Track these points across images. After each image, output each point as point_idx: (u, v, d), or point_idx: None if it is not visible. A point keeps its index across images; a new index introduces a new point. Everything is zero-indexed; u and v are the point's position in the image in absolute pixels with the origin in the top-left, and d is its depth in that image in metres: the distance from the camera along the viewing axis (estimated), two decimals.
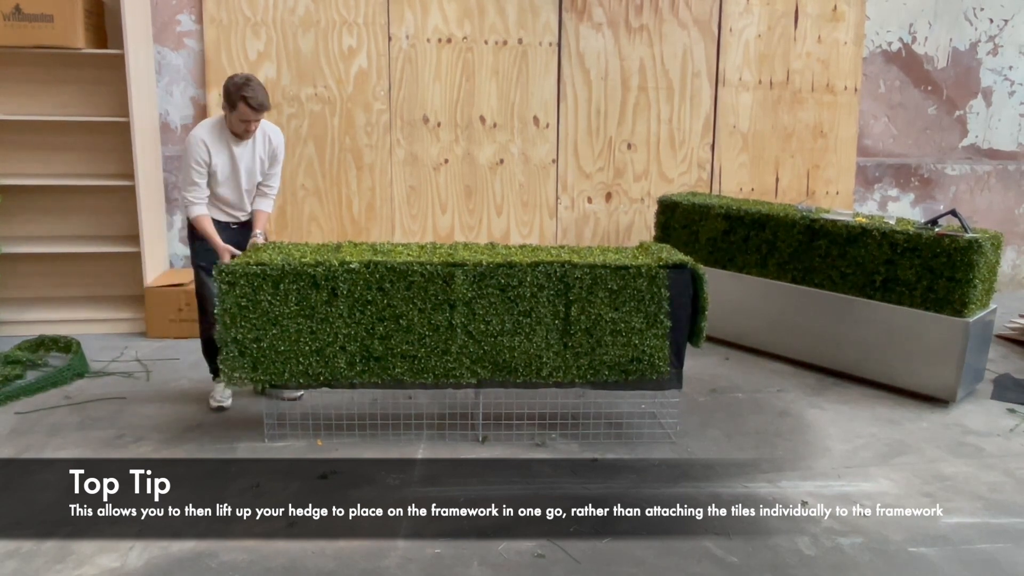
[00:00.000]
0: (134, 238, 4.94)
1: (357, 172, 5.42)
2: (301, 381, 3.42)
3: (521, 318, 3.40)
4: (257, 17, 5.15)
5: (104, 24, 4.91)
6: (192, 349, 4.66)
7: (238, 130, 3.61)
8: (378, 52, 5.31)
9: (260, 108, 3.54)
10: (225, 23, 5.13)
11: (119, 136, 4.93)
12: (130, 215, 4.97)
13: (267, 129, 3.75)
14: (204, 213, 3.69)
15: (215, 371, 3.84)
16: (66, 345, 4.49)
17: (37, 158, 5.04)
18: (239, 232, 3.82)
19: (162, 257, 5.25)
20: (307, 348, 3.36)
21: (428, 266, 3.33)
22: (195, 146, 3.61)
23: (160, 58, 5.17)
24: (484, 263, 3.35)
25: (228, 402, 3.87)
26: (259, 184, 3.82)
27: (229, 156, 3.68)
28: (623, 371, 3.48)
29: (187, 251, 5.40)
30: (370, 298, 3.34)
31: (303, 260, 3.33)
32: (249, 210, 3.86)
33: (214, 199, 3.75)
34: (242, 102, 3.49)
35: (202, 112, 5.24)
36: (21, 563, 2.62)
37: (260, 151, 3.75)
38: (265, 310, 3.32)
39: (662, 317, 3.43)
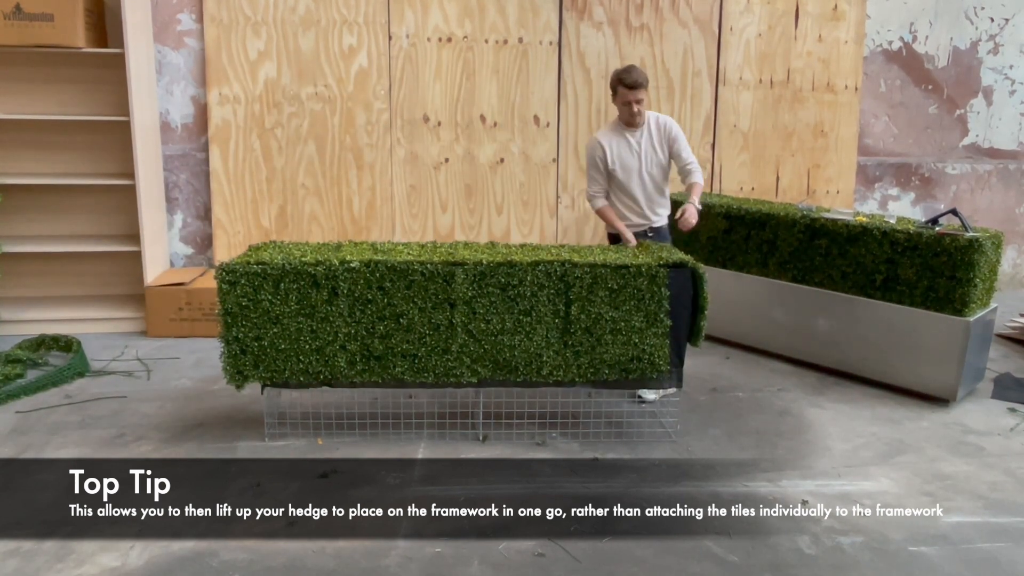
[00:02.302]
0: (134, 237, 4.95)
1: (357, 171, 5.42)
2: (302, 379, 3.42)
3: (521, 317, 3.40)
4: (257, 16, 5.15)
5: (104, 23, 4.91)
6: (193, 348, 4.67)
7: (625, 116, 3.85)
8: (378, 51, 5.30)
9: (635, 85, 3.75)
10: (225, 22, 5.13)
11: (119, 135, 4.93)
12: (130, 214, 4.97)
13: (658, 119, 3.92)
14: (605, 204, 3.98)
15: None
16: (66, 344, 4.49)
17: (37, 157, 5.04)
18: (651, 241, 3.88)
19: (162, 256, 5.26)
20: (307, 347, 3.37)
21: (428, 265, 3.33)
22: (592, 147, 3.94)
23: (160, 57, 5.17)
24: (484, 262, 3.35)
25: (652, 396, 3.92)
26: (681, 167, 3.95)
27: (628, 149, 3.90)
28: (623, 370, 3.48)
29: (188, 250, 5.44)
30: (370, 297, 3.35)
31: (303, 259, 3.33)
32: (656, 215, 4.01)
33: (627, 200, 3.97)
34: (620, 84, 3.77)
35: (203, 111, 5.24)
36: (22, 562, 2.62)
37: (656, 140, 3.91)
38: (266, 309, 3.32)
39: (662, 316, 3.43)
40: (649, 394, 3.89)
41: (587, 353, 3.45)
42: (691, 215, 3.75)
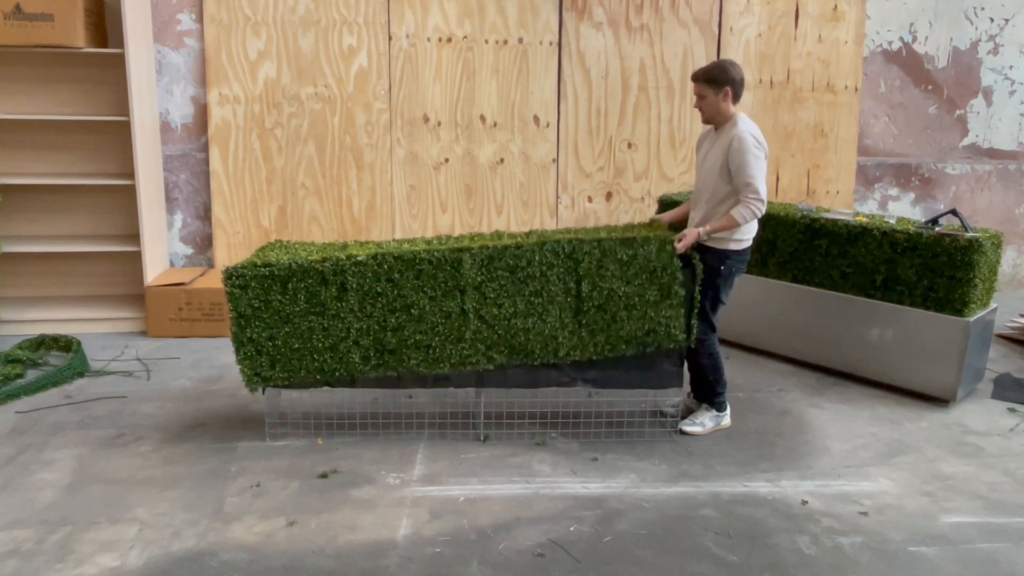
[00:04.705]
0: (134, 237, 4.95)
1: (357, 171, 5.42)
2: (318, 378, 3.41)
3: (533, 299, 3.39)
4: (257, 16, 5.15)
5: (104, 23, 4.91)
6: (193, 348, 4.67)
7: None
8: (378, 51, 5.31)
9: (693, 79, 3.52)
10: (225, 22, 5.13)
11: (119, 135, 4.93)
12: (130, 214, 4.97)
13: (736, 130, 3.41)
14: (687, 204, 3.77)
15: (696, 393, 3.82)
16: (66, 344, 4.49)
17: (37, 157, 5.04)
18: (698, 249, 3.49)
19: (162, 256, 5.26)
20: (320, 345, 3.36)
21: (436, 252, 3.32)
22: None
23: (160, 57, 5.17)
24: (491, 245, 3.34)
25: (701, 429, 3.70)
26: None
27: (704, 145, 3.62)
28: (640, 344, 3.47)
29: (187, 250, 5.44)
30: (380, 290, 3.34)
31: (310, 258, 3.33)
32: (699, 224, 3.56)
33: (694, 198, 3.67)
34: None
35: (202, 111, 5.24)
36: (21, 562, 2.62)
37: (721, 148, 3.44)
38: (276, 309, 3.31)
39: (676, 288, 3.41)
40: (692, 427, 3.69)
41: (603, 331, 3.44)
42: (686, 240, 3.41)
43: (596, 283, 3.39)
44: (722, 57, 5.67)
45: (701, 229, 3.43)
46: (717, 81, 3.43)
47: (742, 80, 3.46)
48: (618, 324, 3.43)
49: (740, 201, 3.39)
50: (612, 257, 3.38)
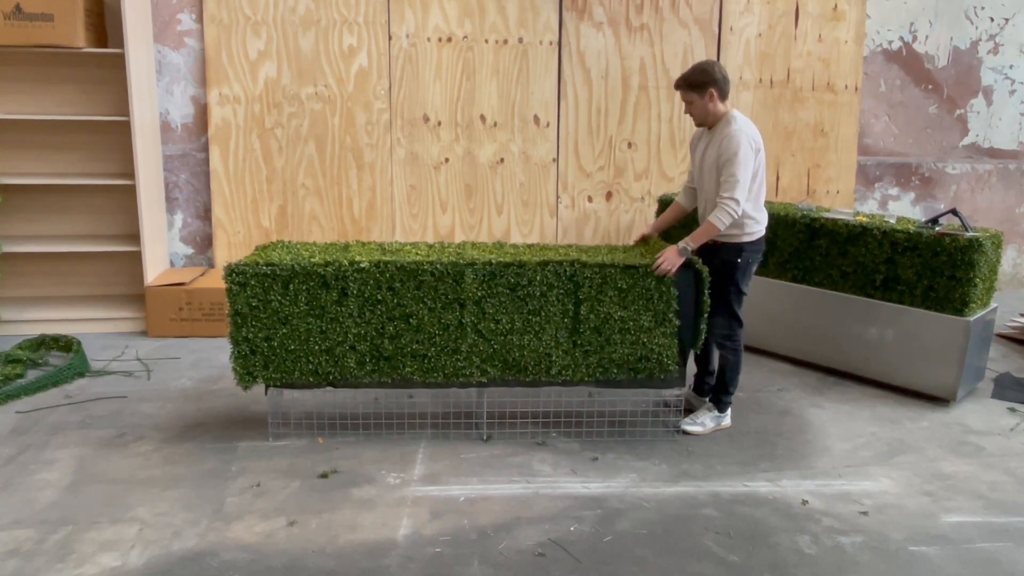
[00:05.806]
0: (135, 237, 4.95)
1: (358, 171, 5.42)
2: (311, 380, 3.41)
3: (531, 317, 3.41)
4: (257, 16, 5.15)
5: (104, 23, 4.91)
6: (193, 348, 4.67)
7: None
8: (378, 51, 5.31)
9: (675, 87, 3.52)
10: (226, 22, 5.13)
11: (119, 135, 4.93)
12: (131, 214, 4.97)
13: (728, 130, 3.40)
14: (677, 201, 3.86)
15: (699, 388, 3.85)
16: (67, 344, 4.49)
17: (37, 157, 5.04)
18: (709, 252, 3.48)
19: (162, 256, 5.26)
20: (317, 348, 3.36)
21: (438, 265, 3.33)
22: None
23: (160, 57, 5.17)
24: (494, 262, 3.36)
25: (701, 429, 3.69)
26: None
27: (698, 146, 3.62)
28: (631, 369, 3.48)
29: (188, 250, 5.44)
30: (380, 297, 3.34)
31: (312, 260, 3.33)
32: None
33: (699, 199, 3.65)
34: None
35: (203, 111, 5.24)
36: (22, 562, 2.62)
37: (715, 148, 3.44)
38: (275, 310, 3.32)
39: (671, 316, 3.42)
40: (692, 426, 3.69)
41: (596, 353, 3.45)
42: (665, 264, 3.34)
43: (594, 306, 3.41)
44: (722, 57, 5.67)
45: (681, 245, 3.40)
46: (699, 85, 3.43)
47: (725, 77, 3.45)
48: (611, 347, 3.45)
49: (717, 206, 3.38)
50: (612, 284, 3.39)
